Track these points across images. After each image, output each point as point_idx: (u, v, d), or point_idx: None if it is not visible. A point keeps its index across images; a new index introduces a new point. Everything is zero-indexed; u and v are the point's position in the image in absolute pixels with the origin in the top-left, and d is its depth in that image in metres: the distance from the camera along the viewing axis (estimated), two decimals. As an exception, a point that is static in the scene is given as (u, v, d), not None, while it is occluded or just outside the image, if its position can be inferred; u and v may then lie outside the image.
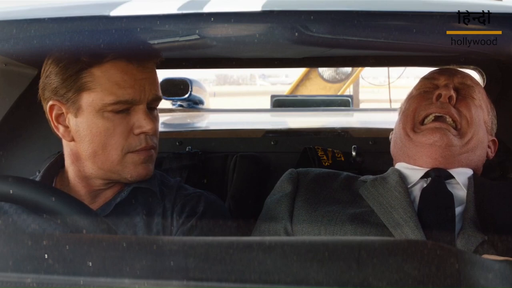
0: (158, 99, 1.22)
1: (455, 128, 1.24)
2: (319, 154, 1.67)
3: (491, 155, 1.33)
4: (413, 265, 0.62)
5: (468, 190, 1.20)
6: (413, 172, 1.25)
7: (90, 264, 0.66)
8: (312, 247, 0.67)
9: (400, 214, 1.15)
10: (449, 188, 1.19)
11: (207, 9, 0.93)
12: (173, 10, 0.94)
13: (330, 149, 1.70)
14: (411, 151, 1.26)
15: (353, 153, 1.68)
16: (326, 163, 1.65)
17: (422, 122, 1.26)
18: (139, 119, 1.17)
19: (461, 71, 1.37)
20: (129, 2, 1.01)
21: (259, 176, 1.70)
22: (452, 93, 1.25)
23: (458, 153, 1.23)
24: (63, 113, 1.19)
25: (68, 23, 1.01)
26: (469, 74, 1.38)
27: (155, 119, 1.23)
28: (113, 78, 1.15)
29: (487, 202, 1.16)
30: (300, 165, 1.64)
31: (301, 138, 1.94)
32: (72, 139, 1.20)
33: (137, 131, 1.17)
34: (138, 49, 1.16)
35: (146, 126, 1.17)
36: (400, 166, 1.29)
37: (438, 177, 1.21)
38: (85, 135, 1.18)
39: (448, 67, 1.40)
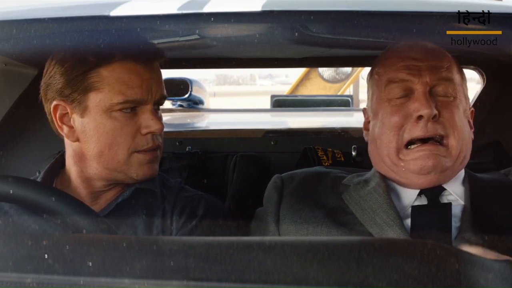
0: (164, 98, 1.24)
1: (442, 143, 1.15)
2: (319, 154, 1.67)
3: (472, 134, 1.23)
4: (413, 265, 0.62)
5: (465, 197, 1.17)
6: (404, 192, 1.20)
7: (90, 264, 0.66)
8: (312, 247, 0.67)
9: (383, 218, 1.13)
10: (444, 200, 1.17)
11: (207, 9, 0.93)
12: (173, 10, 0.94)
13: (330, 149, 1.70)
14: (399, 174, 1.18)
15: (353, 153, 1.68)
16: (326, 163, 1.65)
17: (406, 146, 1.16)
18: (147, 119, 1.18)
19: (426, 50, 1.17)
20: (129, 2, 1.00)
21: (259, 176, 1.69)
22: (434, 111, 1.12)
23: (450, 168, 1.16)
24: (67, 113, 1.19)
25: (68, 23, 1.02)
26: (437, 50, 1.19)
27: (160, 119, 1.24)
28: (121, 78, 1.15)
29: (483, 201, 1.15)
30: (300, 165, 1.64)
31: (301, 138, 1.94)
32: (77, 139, 1.20)
33: (144, 131, 1.18)
34: (144, 49, 1.17)
35: (154, 126, 1.18)
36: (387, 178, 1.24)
37: (432, 198, 1.17)
38: (91, 135, 1.18)
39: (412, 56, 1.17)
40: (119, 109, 1.16)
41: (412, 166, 1.14)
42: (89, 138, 1.18)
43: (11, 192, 0.97)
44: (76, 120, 1.19)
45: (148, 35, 1.19)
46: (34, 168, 1.44)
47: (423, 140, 1.14)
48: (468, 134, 1.19)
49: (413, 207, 1.16)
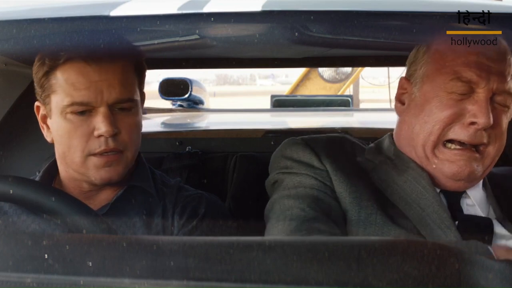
0: (124, 101, 1.18)
1: (478, 150, 1.10)
2: (319, 154, 1.66)
3: None
4: (413, 265, 0.62)
5: (483, 203, 1.16)
6: None
7: (90, 264, 0.66)
8: (312, 247, 0.67)
9: (436, 221, 1.07)
10: (463, 204, 1.14)
11: (207, 9, 0.93)
12: (173, 10, 0.93)
13: (330, 149, 1.69)
14: (426, 169, 1.14)
15: (353, 153, 1.68)
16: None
17: (444, 144, 1.11)
18: (98, 122, 1.15)
19: (499, 50, 1.10)
20: (129, 2, 1.00)
21: (259, 176, 1.69)
22: (491, 121, 1.06)
23: (479, 177, 1.13)
24: (45, 114, 1.22)
25: (68, 23, 1.01)
26: (508, 51, 1.11)
27: (124, 121, 1.18)
28: (70, 79, 1.15)
29: (500, 208, 1.15)
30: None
31: (301, 138, 1.94)
32: (52, 140, 1.23)
33: (96, 133, 1.16)
34: (97, 50, 1.14)
35: (102, 128, 1.15)
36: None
37: (454, 201, 1.13)
38: (55, 136, 1.20)
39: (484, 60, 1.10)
40: (70, 111, 1.15)
41: (446, 168, 1.10)
42: (55, 139, 1.20)
43: (11, 192, 0.97)
44: (49, 121, 1.21)
45: (148, 35, 1.19)
46: (34, 168, 1.44)
47: (463, 143, 1.09)
48: (505, 140, 1.14)
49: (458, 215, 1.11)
